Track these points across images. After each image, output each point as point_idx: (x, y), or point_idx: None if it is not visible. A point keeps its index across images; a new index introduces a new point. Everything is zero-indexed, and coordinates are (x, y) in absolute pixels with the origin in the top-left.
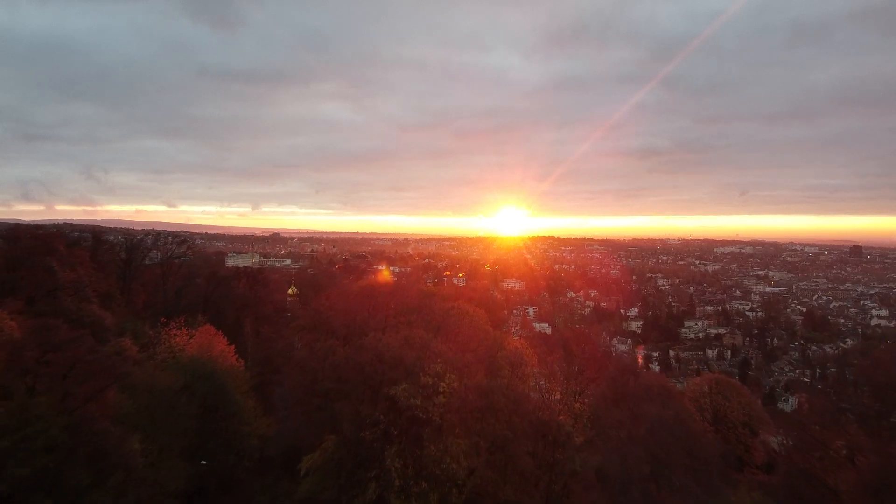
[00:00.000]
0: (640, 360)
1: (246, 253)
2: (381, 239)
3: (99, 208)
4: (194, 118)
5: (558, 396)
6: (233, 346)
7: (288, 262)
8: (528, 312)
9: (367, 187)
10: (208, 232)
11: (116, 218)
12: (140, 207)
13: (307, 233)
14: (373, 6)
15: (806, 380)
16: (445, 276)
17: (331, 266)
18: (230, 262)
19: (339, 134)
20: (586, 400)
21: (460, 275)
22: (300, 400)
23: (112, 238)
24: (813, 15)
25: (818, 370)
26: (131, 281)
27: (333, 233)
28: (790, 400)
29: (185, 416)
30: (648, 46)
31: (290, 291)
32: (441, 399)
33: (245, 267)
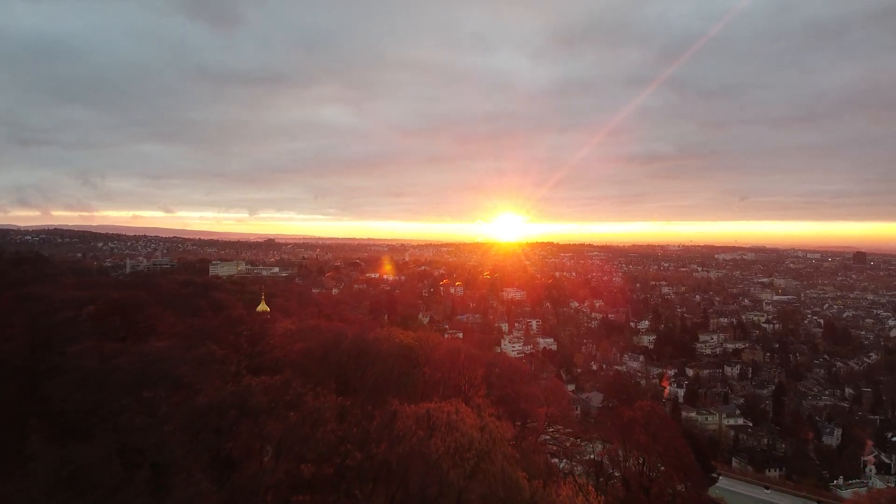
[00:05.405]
0: (666, 389)
1: (232, 261)
2: (378, 245)
3: (95, 214)
4: (192, 122)
5: None
6: None
7: (276, 269)
8: (531, 326)
9: (365, 193)
10: (202, 238)
11: (112, 224)
12: (137, 213)
13: (303, 239)
14: (375, 6)
15: (844, 405)
16: (442, 284)
17: (320, 274)
18: (214, 271)
19: (339, 138)
20: None
21: (457, 283)
22: None
23: None
24: (829, 15)
25: (849, 390)
26: None
27: (330, 239)
28: (835, 432)
29: None
30: (658, 47)
31: (259, 309)
32: None
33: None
